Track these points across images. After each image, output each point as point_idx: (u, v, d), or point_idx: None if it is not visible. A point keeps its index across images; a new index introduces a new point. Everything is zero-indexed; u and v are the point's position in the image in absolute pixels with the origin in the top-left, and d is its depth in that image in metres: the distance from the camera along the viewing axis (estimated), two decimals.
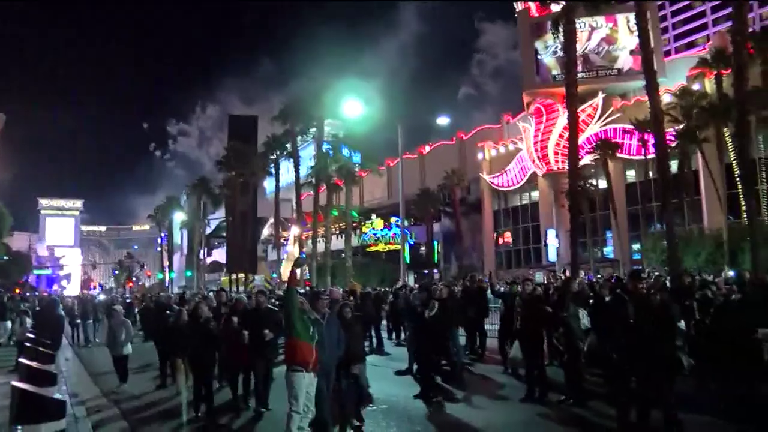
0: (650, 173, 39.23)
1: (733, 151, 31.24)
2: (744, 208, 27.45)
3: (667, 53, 68.50)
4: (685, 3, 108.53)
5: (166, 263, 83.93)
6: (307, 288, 29.89)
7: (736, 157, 29.41)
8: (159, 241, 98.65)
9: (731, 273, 22.20)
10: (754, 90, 28.26)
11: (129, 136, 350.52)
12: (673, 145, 34.81)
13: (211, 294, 16.72)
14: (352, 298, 15.84)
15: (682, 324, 8.72)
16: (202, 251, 68.94)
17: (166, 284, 78.61)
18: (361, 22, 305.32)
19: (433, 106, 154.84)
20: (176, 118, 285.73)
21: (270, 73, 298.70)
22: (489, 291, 17.67)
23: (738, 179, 29.70)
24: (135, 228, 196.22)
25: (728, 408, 9.06)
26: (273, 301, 15.88)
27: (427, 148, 66.04)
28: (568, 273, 26.56)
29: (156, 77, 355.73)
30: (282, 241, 60.89)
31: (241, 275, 56.68)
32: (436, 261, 60.69)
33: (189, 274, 76.45)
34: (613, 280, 15.29)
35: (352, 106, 31.24)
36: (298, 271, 13.34)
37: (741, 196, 28.89)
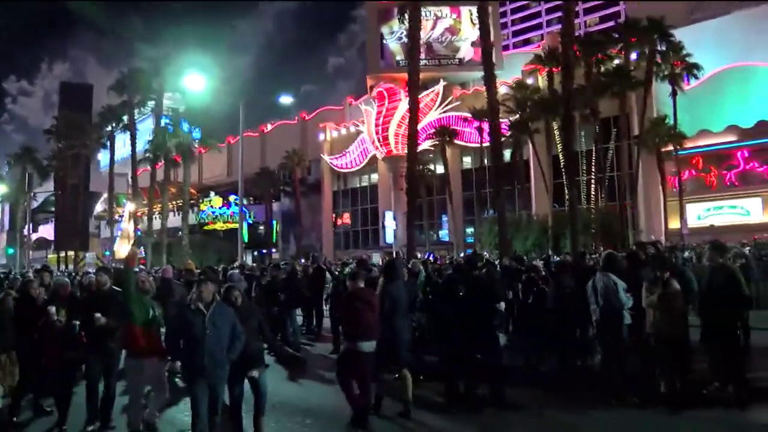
0: (485, 161, 41.17)
1: (560, 144, 33.35)
2: (567, 197, 29.27)
3: (506, 48, 72.00)
4: (523, 2, 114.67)
5: None
6: (141, 266, 28.66)
7: (562, 149, 31.47)
8: None
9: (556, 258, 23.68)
10: (578, 88, 30.42)
11: None
12: (507, 134, 36.71)
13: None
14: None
15: (501, 305, 9.20)
16: (27, 227, 64.14)
17: None
18: None
19: (301, 77, 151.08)
20: (17, 74, 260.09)
21: (137, 33, 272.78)
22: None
23: (563, 170, 31.82)
24: None
25: (552, 380, 9.67)
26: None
27: (269, 127, 65.28)
28: (401, 254, 27.20)
29: None
30: (116, 217, 58.01)
31: (71, 253, 53.59)
32: (274, 240, 60.48)
33: (11, 251, 70.82)
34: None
35: (194, 80, 30.15)
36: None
37: (565, 185, 30.82)
